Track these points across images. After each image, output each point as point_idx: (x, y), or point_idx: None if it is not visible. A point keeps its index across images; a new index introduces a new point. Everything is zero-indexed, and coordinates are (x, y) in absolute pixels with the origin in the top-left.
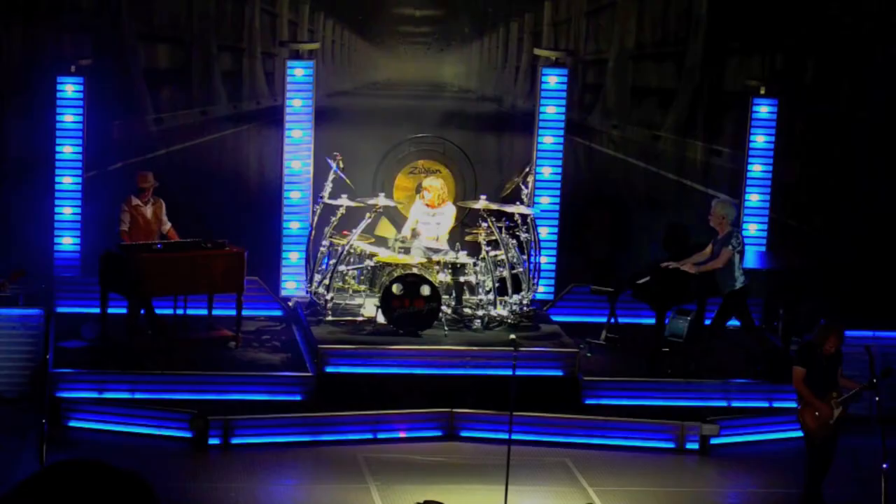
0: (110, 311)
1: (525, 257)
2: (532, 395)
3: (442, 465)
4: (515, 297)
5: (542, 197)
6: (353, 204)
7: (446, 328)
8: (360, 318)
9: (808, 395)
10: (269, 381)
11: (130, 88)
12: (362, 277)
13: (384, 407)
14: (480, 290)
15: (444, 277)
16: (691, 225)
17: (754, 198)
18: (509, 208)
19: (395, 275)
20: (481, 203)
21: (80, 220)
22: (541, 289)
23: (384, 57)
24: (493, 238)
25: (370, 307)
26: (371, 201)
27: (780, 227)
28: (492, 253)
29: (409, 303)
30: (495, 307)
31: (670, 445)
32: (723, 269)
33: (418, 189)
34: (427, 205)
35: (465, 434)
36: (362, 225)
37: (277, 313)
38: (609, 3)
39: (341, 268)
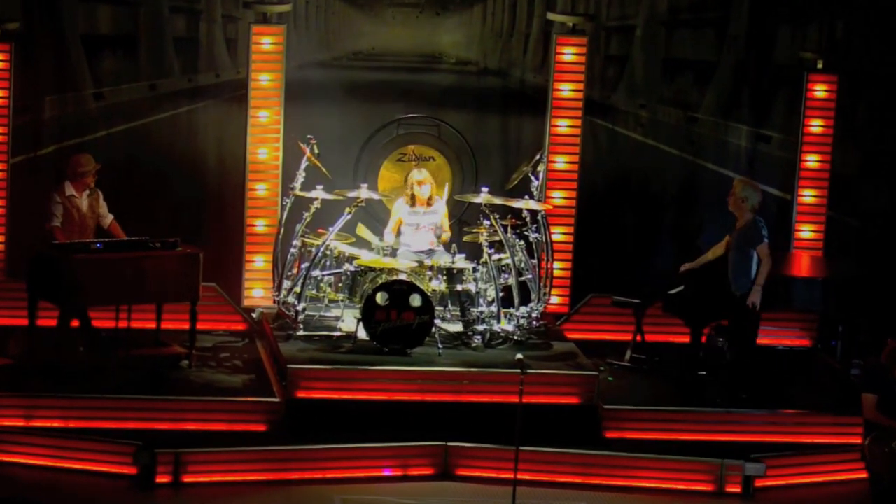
0: (40, 322)
1: (535, 262)
2: (542, 426)
3: None
4: (523, 310)
5: (555, 190)
6: (329, 197)
7: (440, 346)
8: (338, 334)
9: (888, 422)
10: (229, 408)
11: (66, 58)
12: (340, 285)
13: (366, 440)
14: (481, 300)
15: (437, 285)
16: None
17: (809, 193)
18: (516, 203)
19: (380, 282)
20: (483, 196)
21: (4, 215)
22: (553, 300)
23: (368, 22)
24: (497, 239)
25: (349, 320)
26: (351, 194)
27: (839, 228)
28: (495, 256)
29: (396, 315)
30: (499, 321)
31: (708, 488)
32: (737, 264)
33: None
34: (418, 203)
35: (462, 472)
36: (340, 222)
37: (239, 327)
38: None
39: (315, 273)
